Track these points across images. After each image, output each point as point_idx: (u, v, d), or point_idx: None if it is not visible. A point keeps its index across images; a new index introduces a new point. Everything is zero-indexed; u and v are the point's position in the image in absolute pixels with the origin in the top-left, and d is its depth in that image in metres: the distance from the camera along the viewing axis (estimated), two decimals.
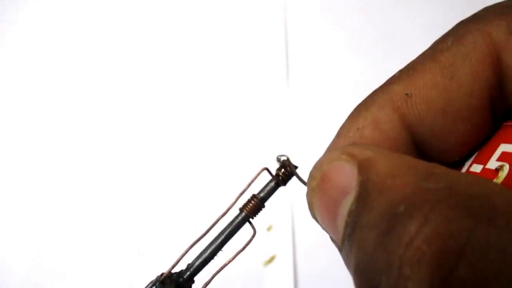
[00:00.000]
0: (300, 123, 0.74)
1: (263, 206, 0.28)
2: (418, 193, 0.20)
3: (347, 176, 0.23)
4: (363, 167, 0.22)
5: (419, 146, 0.28)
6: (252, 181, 0.27)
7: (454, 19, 0.27)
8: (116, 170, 0.73)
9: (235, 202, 0.26)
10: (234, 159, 0.72)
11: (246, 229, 0.28)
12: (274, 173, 0.28)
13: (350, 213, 0.22)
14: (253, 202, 0.27)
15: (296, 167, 0.28)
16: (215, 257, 0.27)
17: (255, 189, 0.28)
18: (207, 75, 0.78)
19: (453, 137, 0.27)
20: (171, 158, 0.73)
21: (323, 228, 0.25)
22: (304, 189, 0.26)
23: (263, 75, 0.77)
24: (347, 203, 0.22)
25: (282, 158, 0.27)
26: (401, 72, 0.28)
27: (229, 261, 0.26)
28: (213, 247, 0.27)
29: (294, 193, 0.70)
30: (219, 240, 0.27)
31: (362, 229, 0.21)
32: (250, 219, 0.28)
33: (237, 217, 0.27)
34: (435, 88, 0.26)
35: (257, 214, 0.28)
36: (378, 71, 0.72)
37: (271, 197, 0.28)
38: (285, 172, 0.28)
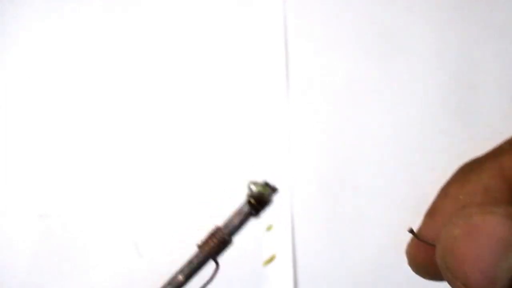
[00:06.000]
0: (301, 138, 0.71)
1: (231, 242, 0.22)
2: None
3: (506, 228, 0.21)
4: None
5: None
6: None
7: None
8: (114, 175, 0.71)
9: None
10: (232, 163, 0.70)
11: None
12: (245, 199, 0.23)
13: None
14: (216, 239, 0.22)
15: (275, 190, 0.23)
16: None
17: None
18: (203, 87, 0.75)
19: None
20: (167, 162, 0.71)
21: (455, 278, 0.22)
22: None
23: (262, 84, 0.74)
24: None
25: (253, 188, 0.21)
26: (510, 144, 0.26)
27: None
28: None
29: (294, 193, 0.68)
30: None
31: None
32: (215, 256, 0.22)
33: (196, 257, 0.22)
34: None
35: (222, 252, 0.22)
36: (382, 82, 0.71)
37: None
38: (260, 201, 0.22)
